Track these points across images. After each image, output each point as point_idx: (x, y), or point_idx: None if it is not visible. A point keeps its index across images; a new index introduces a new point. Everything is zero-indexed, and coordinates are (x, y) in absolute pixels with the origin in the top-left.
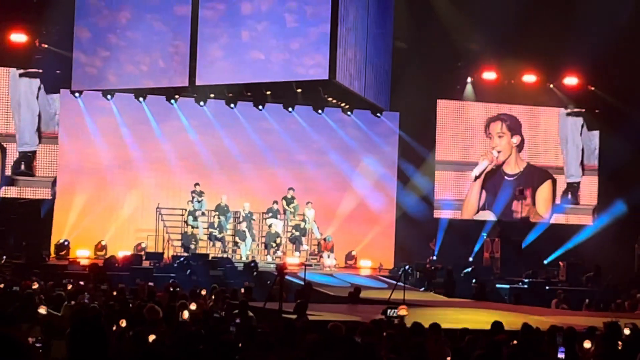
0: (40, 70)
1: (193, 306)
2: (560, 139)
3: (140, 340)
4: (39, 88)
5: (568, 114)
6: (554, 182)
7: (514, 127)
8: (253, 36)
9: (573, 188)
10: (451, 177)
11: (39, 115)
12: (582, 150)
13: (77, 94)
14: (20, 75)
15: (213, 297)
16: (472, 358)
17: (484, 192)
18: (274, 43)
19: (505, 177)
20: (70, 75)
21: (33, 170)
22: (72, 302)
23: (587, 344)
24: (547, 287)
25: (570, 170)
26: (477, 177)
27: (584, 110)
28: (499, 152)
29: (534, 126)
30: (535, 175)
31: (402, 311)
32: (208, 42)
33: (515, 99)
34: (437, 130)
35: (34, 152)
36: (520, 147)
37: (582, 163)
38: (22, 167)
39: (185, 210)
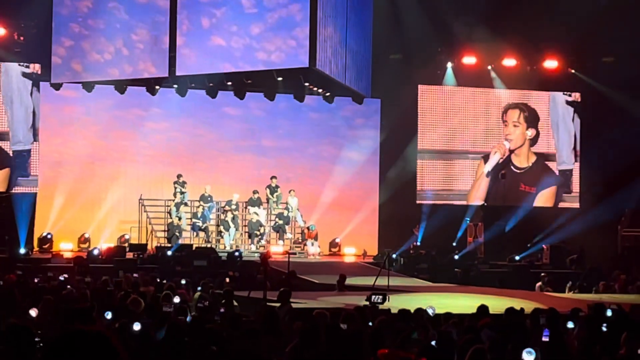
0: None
1: (177, 299)
2: (552, 124)
3: (125, 331)
4: (33, 84)
5: (568, 102)
6: (560, 187)
7: (532, 119)
8: (235, 24)
9: (565, 176)
10: (435, 165)
11: (33, 112)
12: (575, 136)
13: (57, 87)
14: (19, 64)
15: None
16: (460, 344)
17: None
18: (256, 31)
19: (513, 169)
20: (49, 69)
21: (28, 170)
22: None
23: (570, 325)
24: (531, 271)
25: (562, 157)
26: (489, 173)
27: (579, 97)
28: (510, 141)
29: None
30: (542, 176)
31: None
32: (186, 32)
33: (496, 83)
34: (419, 116)
35: (29, 151)
36: (534, 140)
37: (574, 149)
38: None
39: (172, 201)
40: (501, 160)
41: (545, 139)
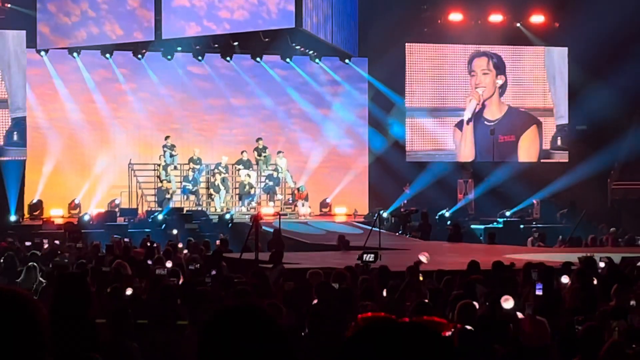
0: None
1: (169, 264)
2: (548, 78)
3: (118, 295)
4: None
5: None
6: (540, 125)
7: (500, 66)
8: None
9: (564, 131)
10: (424, 123)
11: None
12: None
13: (42, 53)
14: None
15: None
16: (450, 299)
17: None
18: None
19: (485, 123)
20: (35, 34)
21: (26, 139)
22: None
23: (564, 279)
24: (521, 226)
25: (560, 111)
26: (469, 120)
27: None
28: (483, 89)
29: (515, 66)
30: (517, 120)
31: (423, 257)
32: None
33: (486, 40)
34: (407, 74)
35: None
36: (503, 89)
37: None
38: (15, 137)
39: (159, 165)
40: (477, 107)
41: (541, 93)
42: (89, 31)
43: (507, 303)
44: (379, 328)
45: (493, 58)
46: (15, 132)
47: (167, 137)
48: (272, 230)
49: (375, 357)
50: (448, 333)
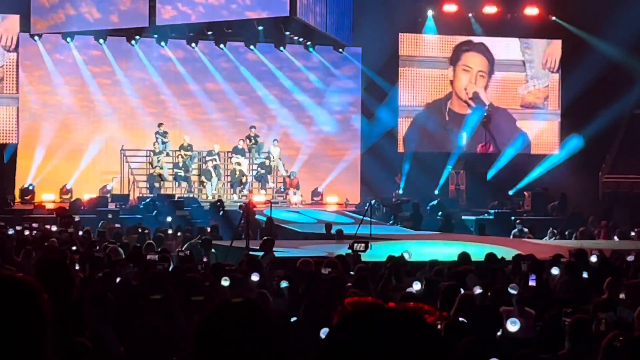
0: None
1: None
2: (539, 71)
3: (109, 281)
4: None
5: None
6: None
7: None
8: None
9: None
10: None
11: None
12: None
13: (36, 37)
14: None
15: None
16: (441, 289)
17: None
18: None
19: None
20: (29, 18)
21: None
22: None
23: (554, 271)
24: (512, 218)
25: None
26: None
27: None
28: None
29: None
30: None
31: (406, 254)
32: None
33: (477, 31)
34: (400, 64)
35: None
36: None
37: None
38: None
39: (151, 151)
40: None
41: (533, 88)
42: (82, 16)
43: (513, 326)
44: (364, 312)
45: (485, 53)
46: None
47: (160, 124)
48: (263, 218)
49: (360, 341)
50: (432, 319)
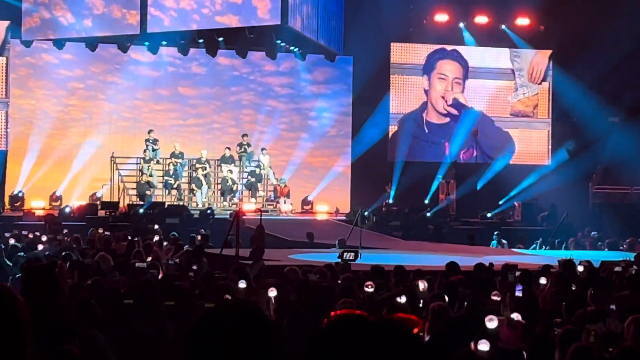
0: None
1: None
2: (530, 81)
3: (98, 288)
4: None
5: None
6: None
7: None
8: None
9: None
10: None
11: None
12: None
13: (27, 44)
14: None
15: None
16: (427, 299)
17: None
18: None
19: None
20: (19, 25)
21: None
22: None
23: (542, 280)
24: (502, 228)
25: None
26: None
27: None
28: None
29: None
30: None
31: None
32: None
33: (467, 41)
34: (391, 72)
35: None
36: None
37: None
38: None
39: (141, 159)
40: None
41: (522, 96)
42: (72, 23)
43: (491, 323)
44: (347, 324)
45: (459, 62)
46: None
47: (150, 131)
48: (253, 226)
49: (343, 352)
50: (417, 330)
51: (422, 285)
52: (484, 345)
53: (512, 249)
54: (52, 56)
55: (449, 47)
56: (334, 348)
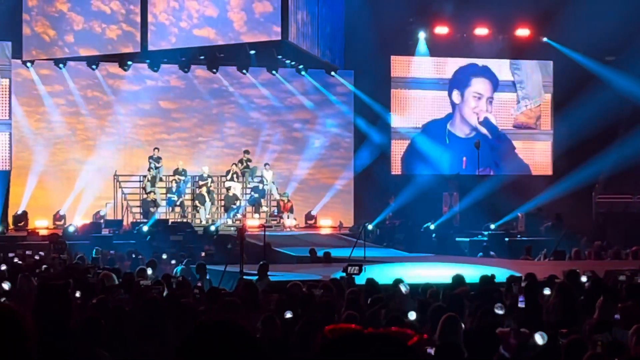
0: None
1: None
2: (532, 92)
3: (103, 306)
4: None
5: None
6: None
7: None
8: None
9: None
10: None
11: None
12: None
13: (28, 64)
14: None
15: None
16: (430, 310)
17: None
18: (229, 4)
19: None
20: (21, 45)
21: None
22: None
23: (546, 291)
24: (506, 239)
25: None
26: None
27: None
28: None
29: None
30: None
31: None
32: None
33: (470, 52)
34: (392, 86)
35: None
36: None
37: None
38: None
39: (144, 177)
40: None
41: (525, 109)
42: (74, 43)
43: (541, 339)
44: (343, 339)
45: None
46: None
47: (155, 149)
48: (256, 242)
49: None
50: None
51: (404, 288)
52: (539, 338)
53: (518, 260)
54: (53, 75)
55: (480, 63)
56: None
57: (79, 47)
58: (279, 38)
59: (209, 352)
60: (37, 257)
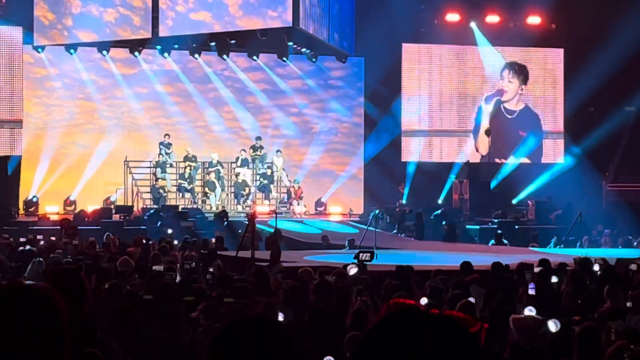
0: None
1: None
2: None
3: (116, 292)
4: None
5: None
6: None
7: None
8: None
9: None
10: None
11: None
12: None
13: (40, 49)
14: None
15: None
16: (445, 299)
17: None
18: None
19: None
20: (32, 30)
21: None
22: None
23: (554, 279)
24: (516, 227)
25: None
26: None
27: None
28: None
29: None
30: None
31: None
32: None
33: (479, 40)
34: (403, 74)
35: None
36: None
37: None
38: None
39: (155, 162)
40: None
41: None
42: (86, 28)
43: (554, 326)
44: (409, 314)
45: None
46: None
47: (166, 135)
48: (267, 228)
49: (403, 342)
50: (474, 330)
51: (352, 271)
52: (552, 325)
53: (529, 248)
54: (64, 61)
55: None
56: (393, 336)
57: (90, 32)
58: (290, 24)
59: (243, 348)
60: (52, 239)
